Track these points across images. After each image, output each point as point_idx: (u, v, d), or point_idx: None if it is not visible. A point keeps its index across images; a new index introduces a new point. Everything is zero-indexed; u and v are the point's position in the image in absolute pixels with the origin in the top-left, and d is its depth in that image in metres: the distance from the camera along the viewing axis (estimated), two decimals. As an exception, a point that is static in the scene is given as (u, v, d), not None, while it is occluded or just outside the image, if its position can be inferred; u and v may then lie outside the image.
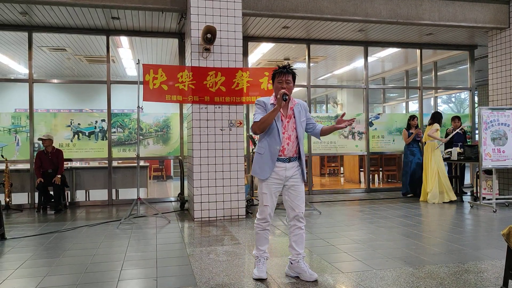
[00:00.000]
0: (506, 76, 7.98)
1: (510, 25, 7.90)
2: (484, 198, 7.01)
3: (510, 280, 3.08)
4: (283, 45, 9.13)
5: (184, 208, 7.14)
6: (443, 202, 7.43)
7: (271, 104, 3.35)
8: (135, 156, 6.42)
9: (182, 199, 7.28)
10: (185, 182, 7.34)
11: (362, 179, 10.25)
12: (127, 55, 9.98)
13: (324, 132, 3.49)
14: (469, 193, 8.53)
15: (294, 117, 3.38)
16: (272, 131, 3.30)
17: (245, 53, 8.43)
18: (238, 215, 6.18)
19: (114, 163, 8.05)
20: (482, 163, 6.65)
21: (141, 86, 6.07)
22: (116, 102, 10.03)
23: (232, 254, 4.19)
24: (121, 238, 5.04)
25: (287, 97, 3.24)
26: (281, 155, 3.32)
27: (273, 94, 3.40)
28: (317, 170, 12.13)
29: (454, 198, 7.48)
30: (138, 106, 6.22)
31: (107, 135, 7.85)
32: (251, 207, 6.99)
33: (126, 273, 3.69)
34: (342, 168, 12.20)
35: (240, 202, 6.23)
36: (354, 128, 9.13)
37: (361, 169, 10.23)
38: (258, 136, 3.48)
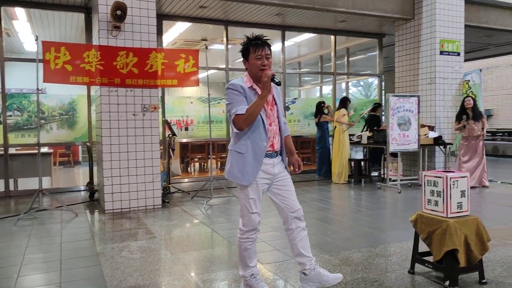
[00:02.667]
0: (410, 64, 8.52)
1: (414, 16, 8.40)
2: (390, 179, 7.50)
3: (417, 264, 3.27)
4: (200, 26, 8.80)
5: (94, 199, 6.64)
6: (346, 182, 7.93)
7: (249, 88, 2.65)
8: (36, 142, 5.77)
9: (91, 189, 6.77)
10: (95, 170, 6.82)
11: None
12: (24, 29, 8.90)
13: (285, 144, 2.86)
14: (377, 174, 9.08)
15: (276, 103, 2.79)
16: (255, 125, 2.62)
17: (160, 32, 7.96)
18: (154, 206, 5.89)
19: (12, 150, 7.21)
20: (390, 147, 7.07)
21: (41, 66, 5.42)
22: (13, 81, 8.96)
23: (147, 250, 3.95)
24: (19, 237, 4.51)
25: (279, 81, 2.66)
26: (269, 150, 2.71)
27: (246, 75, 2.72)
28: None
29: (346, 179, 8.03)
30: (38, 88, 5.56)
31: (1, 118, 6.97)
32: (167, 195, 6.73)
33: (24, 280, 3.28)
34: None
35: (156, 191, 5.93)
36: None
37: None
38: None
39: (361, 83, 25.84)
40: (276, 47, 10.75)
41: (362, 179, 8.24)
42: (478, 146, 7.25)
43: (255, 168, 2.65)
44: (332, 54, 9.92)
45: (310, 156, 10.62)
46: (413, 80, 8.46)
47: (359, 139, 8.44)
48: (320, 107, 8.73)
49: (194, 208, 5.90)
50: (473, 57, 13.95)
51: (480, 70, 8.24)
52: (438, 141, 7.65)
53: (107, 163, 5.66)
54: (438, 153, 8.06)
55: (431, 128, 7.90)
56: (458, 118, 7.26)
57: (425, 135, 7.63)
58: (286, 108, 9.28)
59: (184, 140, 8.58)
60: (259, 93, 2.61)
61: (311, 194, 6.90)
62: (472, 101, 7.19)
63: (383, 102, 10.33)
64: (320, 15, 8.35)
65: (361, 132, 8.63)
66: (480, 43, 11.99)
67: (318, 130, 8.80)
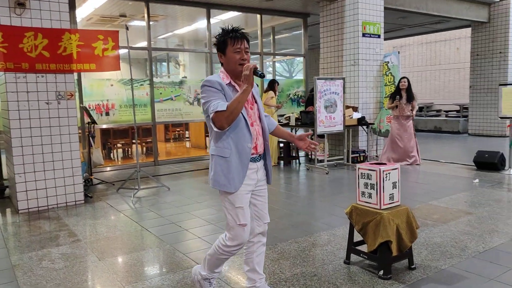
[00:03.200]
0: (335, 46, 8.69)
1: (338, -2, 8.52)
2: (318, 160, 7.70)
3: (352, 254, 3.36)
4: (118, 1, 8.14)
5: (4, 196, 5.99)
6: (276, 165, 8.03)
7: (227, 85, 2.43)
8: None
9: (0, 185, 6.08)
10: (3, 164, 6.12)
11: (208, 144, 10.23)
12: None
13: (275, 133, 2.81)
14: (303, 155, 9.28)
15: (256, 101, 2.58)
16: (237, 124, 2.39)
17: (72, 6, 7.21)
18: (76, 201, 5.44)
19: None
20: (317, 129, 7.21)
21: None
22: None
23: (71, 258, 3.61)
24: None
25: (263, 73, 2.39)
26: (253, 153, 2.49)
27: (222, 71, 2.50)
28: (162, 136, 11.66)
29: (275, 162, 8.16)
30: None
31: None
32: (89, 188, 6.26)
33: None
34: (187, 133, 11.98)
35: (77, 185, 5.47)
36: (199, 94, 8.88)
37: (207, 135, 10.17)
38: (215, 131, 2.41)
39: (285, 63, 26.13)
40: (201, 24, 10.38)
41: (291, 161, 8.36)
42: (408, 127, 7.65)
43: (242, 173, 2.43)
44: (259, 33, 9.79)
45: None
46: (337, 62, 8.65)
47: (288, 121, 8.51)
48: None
49: (121, 201, 5.56)
50: (388, 37, 14.63)
51: (398, 52, 8.64)
52: (362, 121, 7.96)
53: (19, 158, 5.08)
54: (361, 133, 8.41)
55: (355, 109, 8.19)
56: (393, 97, 7.59)
57: (349, 116, 7.89)
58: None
59: (105, 126, 8.01)
60: (239, 90, 2.36)
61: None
62: (407, 83, 7.52)
63: (308, 83, 10.50)
64: (246, -6, 8.14)
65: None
66: (396, 24, 12.61)
67: None
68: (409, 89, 7.54)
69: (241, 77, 2.34)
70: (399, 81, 7.61)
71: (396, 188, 3.20)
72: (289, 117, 8.52)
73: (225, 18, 10.16)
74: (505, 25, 11.49)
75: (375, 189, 3.14)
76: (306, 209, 5.00)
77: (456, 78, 19.26)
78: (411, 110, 7.55)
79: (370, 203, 3.19)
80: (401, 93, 7.53)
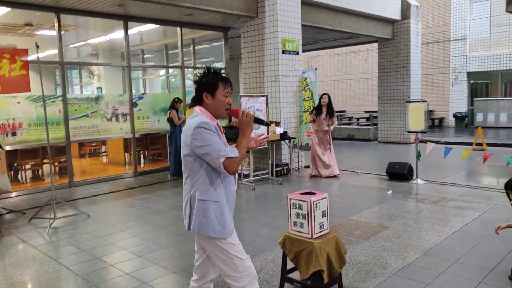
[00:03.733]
0: (256, 61, 8.85)
1: (258, 14, 8.69)
2: (243, 174, 7.76)
3: (285, 283, 3.43)
4: (23, 10, 7.49)
5: None
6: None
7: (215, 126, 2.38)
8: None
9: None
10: None
11: (128, 161, 9.81)
12: None
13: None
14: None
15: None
16: None
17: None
18: (-20, 238, 4.87)
19: None
20: (242, 145, 7.26)
21: None
22: None
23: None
24: None
25: (267, 122, 2.47)
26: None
27: (204, 112, 2.40)
28: (76, 152, 10.91)
29: None
30: None
31: None
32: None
33: None
34: (104, 147, 11.36)
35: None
36: (117, 110, 8.49)
37: (126, 150, 9.74)
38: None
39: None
40: (117, 35, 9.95)
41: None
42: (327, 140, 8.02)
43: (231, 217, 2.45)
44: (179, 46, 9.63)
45: (161, 152, 10.27)
46: (259, 77, 8.82)
47: (211, 136, 8.46)
48: (172, 102, 8.46)
49: (35, 234, 5.09)
50: (304, 49, 15.25)
51: (316, 68, 9.05)
52: (284, 136, 8.19)
53: None
54: (283, 147, 8.65)
55: (277, 124, 8.41)
56: (315, 112, 7.92)
57: (273, 131, 8.07)
58: (134, 105, 8.70)
59: (10, 148, 7.28)
60: (221, 131, 2.41)
61: (166, 200, 6.67)
62: (327, 99, 7.86)
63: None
64: (165, 8, 7.95)
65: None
66: (311, 38, 13.20)
67: (170, 126, 8.55)
68: (329, 105, 7.93)
69: (218, 118, 2.41)
70: (321, 97, 7.97)
71: (325, 216, 3.34)
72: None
73: (143, 30, 9.86)
74: (406, 42, 12.61)
75: (307, 219, 3.24)
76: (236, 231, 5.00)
77: (365, 87, 20.69)
78: (328, 125, 7.92)
79: (302, 232, 3.28)
80: (322, 108, 7.89)
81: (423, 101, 7.41)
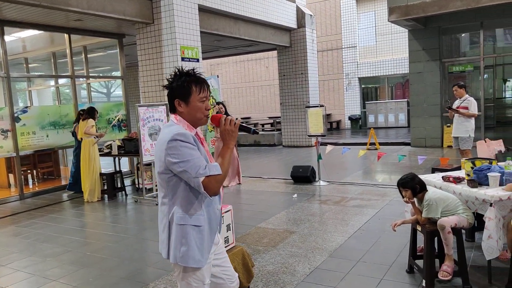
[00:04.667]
0: (155, 69, 8.47)
1: (154, 21, 8.34)
2: (146, 188, 7.33)
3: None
4: None
5: None
6: (100, 200, 7.34)
7: (194, 136, 2.02)
8: None
9: None
10: None
11: (12, 182, 8.72)
12: None
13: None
14: (130, 182, 8.74)
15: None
16: None
17: None
18: None
19: None
20: (143, 158, 6.86)
21: None
22: None
23: None
24: None
25: (256, 130, 2.17)
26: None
27: (180, 120, 2.06)
28: None
29: (99, 197, 7.40)
30: None
31: None
32: None
33: None
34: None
35: None
36: (-4, 125, 7.49)
37: (10, 172, 8.65)
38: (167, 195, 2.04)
39: (103, 83, 24.41)
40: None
41: (117, 193, 7.76)
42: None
43: (211, 242, 2.10)
44: (68, 54, 8.85)
45: (52, 170, 9.32)
46: (158, 86, 8.45)
47: (109, 150, 7.90)
48: (78, 115, 7.82)
49: None
50: (205, 57, 15.14)
51: (218, 76, 8.95)
52: (188, 146, 7.93)
53: None
54: (188, 157, 8.36)
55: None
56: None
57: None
58: (16, 120, 7.75)
59: None
60: (201, 141, 2.08)
61: (63, 224, 6.00)
62: (223, 108, 7.73)
63: (129, 105, 10.00)
64: (49, 12, 7.23)
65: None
66: (212, 46, 13.12)
67: (75, 141, 7.89)
68: (226, 114, 7.84)
69: (197, 126, 2.10)
70: (214, 107, 7.86)
71: (230, 230, 3.18)
72: (110, 145, 7.93)
73: (24, 36, 8.91)
74: (303, 49, 13.15)
75: (210, 235, 3.05)
76: (138, 254, 4.63)
77: (268, 93, 21.21)
78: None
79: (206, 249, 3.09)
80: None
81: (321, 106, 7.70)
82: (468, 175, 3.58)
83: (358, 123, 18.43)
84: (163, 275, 3.95)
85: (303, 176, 7.69)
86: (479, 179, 3.49)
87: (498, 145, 4.24)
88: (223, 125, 2.05)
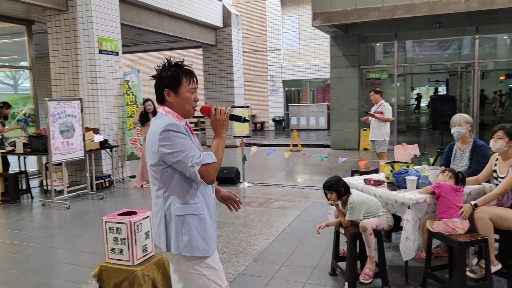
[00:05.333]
0: (68, 61, 7.79)
1: (68, 8, 7.66)
2: (56, 190, 6.68)
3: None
4: None
5: None
6: (0, 203, 6.57)
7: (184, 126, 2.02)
8: None
9: None
10: None
11: None
12: None
13: None
14: (38, 184, 7.95)
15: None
16: None
17: None
18: None
19: None
20: (52, 157, 6.24)
21: None
22: None
23: None
24: None
25: (245, 118, 2.23)
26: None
27: (169, 111, 2.07)
28: None
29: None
30: None
31: None
32: None
33: None
34: None
35: None
36: None
37: None
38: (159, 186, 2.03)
39: (9, 73, 22.25)
40: None
41: (21, 196, 6.99)
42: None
43: (215, 230, 2.11)
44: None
45: None
46: (72, 79, 7.79)
47: (13, 147, 7.10)
48: None
49: None
50: (126, 51, 14.40)
51: (138, 71, 8.48)
52: (104, 144, 7.40)
53: None
54: (105, 156, 7.81)
55: (96, 131, 7.54)
56: (141, 121, 7.30)
57: (90, 139, 7.19)
58: None
59: None
60: (191, 131, 2.07)
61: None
62: (152, 105, 7.30)
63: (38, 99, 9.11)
64: None
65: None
66: (134, 40, 12.49)
67: None
68: (155, 111, 7.46)
69: (186, 117, 2.10)
70: (144, 103, 7.43)
71: (149, 237, 2.93)
72: (14, 142, 7.13)
73: None
74: (229, 49, 13.04)
75: (127, 244, 2.78)
76: (43, 264, 4.15)
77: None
78: None
79: (122, 260, 2.81)
80: (149, 115, 7.37)
81: (246, 107, 7.62)
82: (388, 178, 3.69)
83: (282, 125, 18.78)
84: (72, 288, 3.56)
85: (227, 178, 7.55)
86: (398, 182, 3.61)
87: (414, 150, 4.46)
88: (214, 115, 2.06)
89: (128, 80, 8.25)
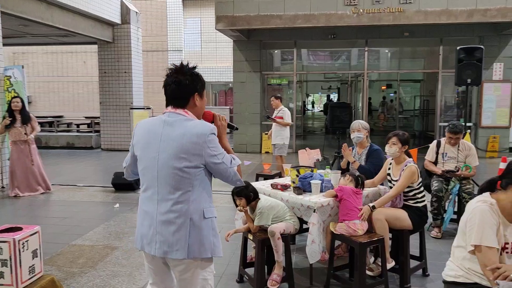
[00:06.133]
0: None
1: None
2: None
3: None
4: None
5: None
6: None
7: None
8: None
9: None
10: None
11: None
12: None
13: None
14: None
15: None
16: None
17: None
18: None
19: None
20: None
21: None
22: None
23: None
24: None
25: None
26: None
27: (191, 114, 2.10)
28: None
29: None
30: None
31: None
32: None
33: None
34: None
35: None
36: None
37: None
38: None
39: None
40: None
41: None
42: (31, 152, 6.70)
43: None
44: None
45: None
46: None
47: None
48: None
49: None
50: (8, 43, 12.88)
51: (22, 66, 7.59)
52: (-21, 148, 6.46)
53: None
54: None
55: (-31, 133, 6.55)
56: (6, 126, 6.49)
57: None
58: None
59: None
60: None
61: None
62: (20, 103, 6.51)
63: None
64: None
65: None
66: (17, 31, 11.20)
67: None
68: (23, 110, 6.69)
69: None
70: (11, 102, 6.64)
71: (37, 256, 2.56)
72: None
73: None
74: (127, 46, 12.37)
75: (9, 265, 2.39)
76: None
77: (85, 91, 19.37)
78: (26, 133, 6.66)
79: (3, 284, 2.41)
80: (15, 114, 6.59)
81: (147, 108, 7.28)
82: (294, 182, 3.76)
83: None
84: None
85: (126, 184, 7.08)
86: (303, 187, 3.69)
87: (316, 154, 4.63)
88: (218, 120, 2.21)
89: (10, 76, 7.33)
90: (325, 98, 25.36)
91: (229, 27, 10.14)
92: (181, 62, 2.13)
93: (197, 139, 1.98)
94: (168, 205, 2.00)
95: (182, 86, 2.06)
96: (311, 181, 3.66)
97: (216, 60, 18.35)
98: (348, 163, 4.34)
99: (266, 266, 3.56)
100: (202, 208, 2.03)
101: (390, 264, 3.54)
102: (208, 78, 18.46)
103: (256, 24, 10.03)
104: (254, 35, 11.66)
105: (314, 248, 3.33)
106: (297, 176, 3.79)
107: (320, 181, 3.68)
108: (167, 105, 2.12)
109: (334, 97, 25.12)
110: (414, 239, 3.72)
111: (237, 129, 2.46)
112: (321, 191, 3.66)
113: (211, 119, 2.21)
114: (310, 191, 3.65)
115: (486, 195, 2.24)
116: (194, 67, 2.12)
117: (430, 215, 4.42)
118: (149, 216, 2.06)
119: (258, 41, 11.77)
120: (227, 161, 2.05)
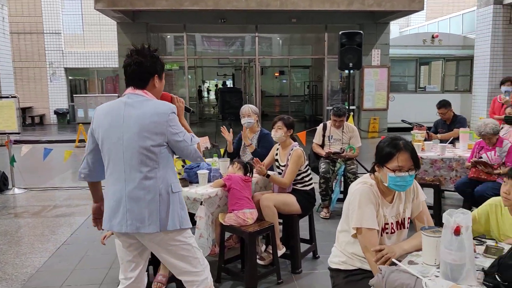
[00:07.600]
0: None
1: None
2: None
3: None
4: None
5: None
6: None
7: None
8: None
9: None
10: None
11: None
12: None
13: None
14: None
15: None
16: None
17: None
18: None
19: None
20: None
21: None
22: None
23: None
24: None
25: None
26: None
27: (149, 95, 2.16)
28: None
29: None
30: None
31: None
32: None
33: None
34: None
35: None
36: None
37: None
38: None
39: None
40: None
41: None
42: None
43: None
44: None
45: None
46: None
47: None
48: None
49: None
50: None
51: None
52: None
53: None
54: None
55: None
56: None
57: None
58: None
59: None
60: None
61: None
62: None
63: None
64: None
65: None
66: None
67: None
68: None
69: None
70: None
71: None
72: None
73: None
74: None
75: None
76: None
77: None
78: None
79: None
80: None
81: (13, 97, 6.33)
82: (180, 173, 3.47)
83: (66, 118, 16.82)
84: None
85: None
86: (190, 178, 3.43)
87: (205, 142, 4.38)
88: (176, 102, 2.35)
89: None
90: (221, 85, 25.22)
91: (109, 7, 9.32)
92: (142, 44, 2.17)
93: (158, 118, 2.05)
94: (136, 183, 2.05)
95: (143, 67, 2.11)
96: (197, 171, 3.42)
97: (100, 44, 16.98)
98: (238, 147, 4.20)
99: (152, 267, 3.26)
100: (169, 183, 2.11)
101: (281, 250, 3.47)
102: (92, 63, 17.04)
103: (140, 5, 9.37)
104: (140, 17, 10.92)
105: (203, 242, 3.10)
106: (183, 166, 3.52)
107: (208, 171, 3.45)
108: (127, 86, 2.15)
109: (230, 83, 25.11)
110: (303, 222, 3.71)
111: (193, 112, 2.55)
112: (209, 181, 3.44)
113: (170, 101, 2.29)
114: (197, 182, 3.41)
115: (367, 176, 2.22)
116: (156, 49, 2.18)
117: (318, 196, 4.50)
118: (117, 195, 2.07)
119: (145, 24, 11.06)
120: (188, 139, 2.13)
